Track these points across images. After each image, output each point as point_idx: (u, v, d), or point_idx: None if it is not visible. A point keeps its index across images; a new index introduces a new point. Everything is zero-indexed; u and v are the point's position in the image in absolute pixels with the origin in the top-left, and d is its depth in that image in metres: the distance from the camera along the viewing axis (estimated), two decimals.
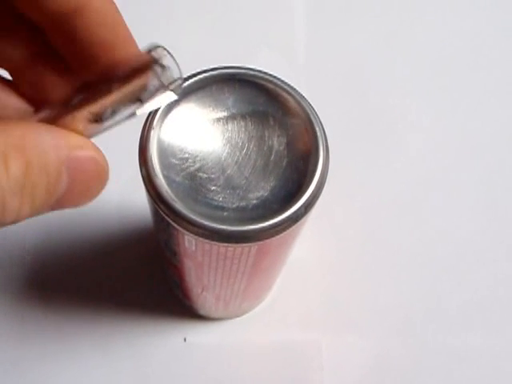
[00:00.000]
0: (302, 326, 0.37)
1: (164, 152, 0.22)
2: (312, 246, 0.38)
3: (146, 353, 0.35)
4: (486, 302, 0.38)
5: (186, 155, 0.22)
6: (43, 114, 0.18)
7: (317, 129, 0.22)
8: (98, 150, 0.18)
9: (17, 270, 0.36)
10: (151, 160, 0.21)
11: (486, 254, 0.39)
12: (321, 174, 0.22)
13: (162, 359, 0.35)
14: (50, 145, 0.17)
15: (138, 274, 0.37)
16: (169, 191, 0.21)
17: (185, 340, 0.36)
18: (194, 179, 0.22)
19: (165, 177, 0.21)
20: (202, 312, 0.35)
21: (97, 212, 0.38)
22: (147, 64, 0.18)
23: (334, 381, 0.35)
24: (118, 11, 0.18)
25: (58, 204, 0.17)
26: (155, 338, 0.36)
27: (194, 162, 0.22)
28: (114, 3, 0.18)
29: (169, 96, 0.19)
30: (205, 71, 0.23)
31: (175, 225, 0.21)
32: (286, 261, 0.29)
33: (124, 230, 0.37)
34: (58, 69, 0.20)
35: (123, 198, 0.37)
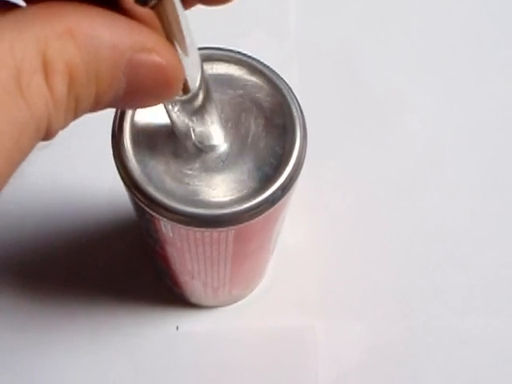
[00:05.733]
0: (296, 313, 0.36)
1: (137, 135, 0.21)
2: (306, 232, 0.38)
3: (138, 342, 0.35)
4: (487, 284, 0.37)
5: (161, 139, 0.22)
6: None
7: (293, 109, 0.22)
8: (169, 51, 0.15)
9: (7, 260, 0.36)
10: (124, 144, 0.21)
11: (488, 236, 0.38)
12: (298, 154, 0.21)
13: (154, 348, 0.35)
14: (107, 43, 0.13)
15: (128, 263, 0.36)
16: (142, 176, 0.21)
17: (177, 329, 0.36)
18: (169, 163, 0.21)
19: (138, 161, 0.21)
20: (193, 300, 0.35)
21: (87, 201, 0.37)
22: None
23: (329, 367, 0.35)
24: None
25: (114, 105, 0.15)
26: (147, 327, 0.35)
27: (169, 145, 0.22)
28: None
29: None
30: None
31: (149, 210, 0.21)
32: (272, 246, 0.29)
33: (114, 218, 0.37)
34: None
35: (114, 186, 0.37)
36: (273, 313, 0.36)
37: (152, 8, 0.14)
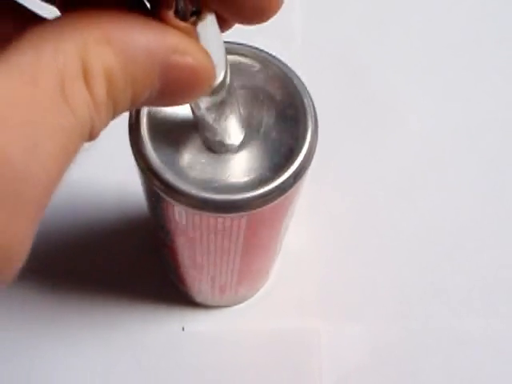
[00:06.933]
0: (300, 314, 0.37)
1: (154, 123, 0.22)
2: (309, 233, 0.38)
3: (143, 342, 0.35)
4: (487, 285, 0.38)
5: (176, 128, 0.22)
6: None
7: (305, 100, 0.22)
8: (200, 53, 0.15)
9: None
10: (141, 131, 0.22)
11: (487, 237, 0.39)
12: (309, 144, 0.22)
13: (160, 348, 0.35)
14: (142, 48, 0.14)
15: (135, 262, 0.37)
16: (158, 162, 0.21)
17: (183, 329, 0.36)
18: (184, 151, 0.22)
19: (154, 148, 0.21)
20: (199, 299, 0.35)
21: (95, 198, 0.38)
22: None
23: (332, 368, 0.35)
24: None
25: (147, 104, 0.16)
26: (153, 327, 0.36)
27: (185, 134, 0.22)
28: None
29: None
30: None
31: (165, 196, 0.21)
32: (279, 242, 0.29)
33: (122, 217, 0.38)
34: None
35: (122, 184, 0.37)
36: (276, 314, 0.36)
37: (191, 23, 0.15)
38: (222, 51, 0.17)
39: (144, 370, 0.35)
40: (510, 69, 0.44)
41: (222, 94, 0.19)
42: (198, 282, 0.32)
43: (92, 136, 0.14)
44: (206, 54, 0.16)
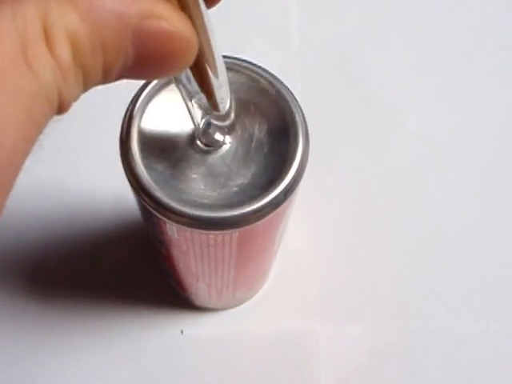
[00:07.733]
0: (299, 316, 0.37)
1: (145, 141, 0.22)
2: (308, 234, 0.38)
3: (143, 346, 0.35)
4: (487, 286, 0.38)
5: (167, 143, 0.22)
6: None
7: (296, 115, 0.22)
8: (179, 18, 0.14)
9: (12, 264, 0.36)
10: (131, 149, 0.21)
11: (487, 238, 0.39)
12: (300, 160, 0.22)
13: (159, 352, 0.35)
14: (112, 11, 0.13)
15: (134, 267, 0.37)
16: (149, 180, 0.21)
17: (182, 332, 0.36)
18: (175, 167, 0.22)
19: (145, 166, 0.21)
20: (197, 303, 0.36)
21: (93, 204, 0.38)
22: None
23: (332, 370, 0.35)
24: None
25: (124, 76, 0.14)
26: (152, 330, 0.36)
27: (176, 150, 0.22)
28: None
29: None
30: None
31: (156, 213, 0.21)
32: (275, 249, 0.29)
33: (120, 222, 0.38)
34: None
35: (120, 190, 0.37)
36: (275, 316, 0.37)
37: None
38: (220, 59, 0.17)
39: (144, 374, 0.35)
40: (510, 69, 0.44)
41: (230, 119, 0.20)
42: (195, 288, 0.32)
43: (62, 107, 0.13)
44: (185, 20, 0.14)
